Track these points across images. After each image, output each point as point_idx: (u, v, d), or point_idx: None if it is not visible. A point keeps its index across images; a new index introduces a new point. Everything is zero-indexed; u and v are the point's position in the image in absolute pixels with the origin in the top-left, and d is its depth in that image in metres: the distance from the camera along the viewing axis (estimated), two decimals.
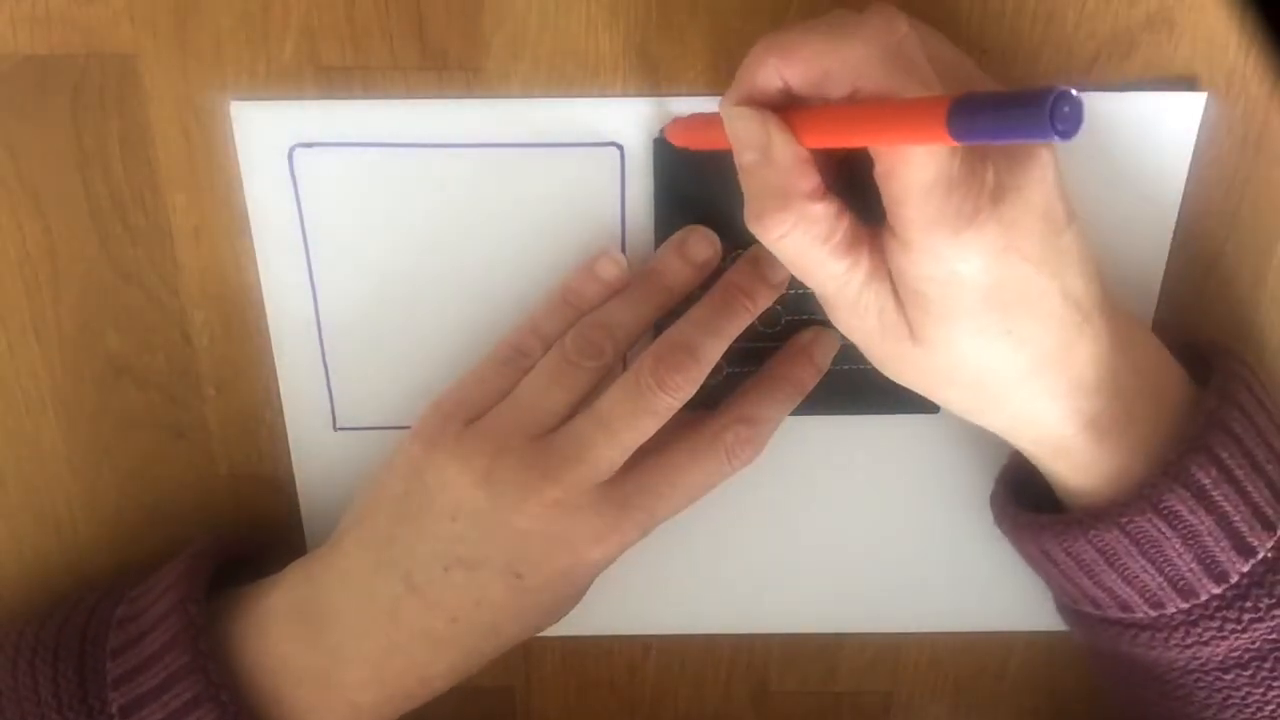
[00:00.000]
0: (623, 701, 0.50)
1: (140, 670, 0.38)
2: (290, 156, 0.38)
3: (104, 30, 0.36)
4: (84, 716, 0.37)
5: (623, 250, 0.40)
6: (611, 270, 0.39)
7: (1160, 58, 0.37)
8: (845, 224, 0.32)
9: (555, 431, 0.37)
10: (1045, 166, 0.31)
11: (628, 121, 0.38)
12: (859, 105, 0.30)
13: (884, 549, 0.46)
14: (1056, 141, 0.24)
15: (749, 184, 0.33)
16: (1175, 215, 0.39)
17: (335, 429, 0.43)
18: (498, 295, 0.40)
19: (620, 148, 0.38)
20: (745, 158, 0.32)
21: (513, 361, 0.39)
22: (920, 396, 0.42)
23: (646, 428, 0.36)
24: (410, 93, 0.37)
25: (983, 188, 0.30)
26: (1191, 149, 0.38)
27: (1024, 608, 0.46)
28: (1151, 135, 0.38)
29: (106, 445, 0.43)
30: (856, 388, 0.41)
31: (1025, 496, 0.39)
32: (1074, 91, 0.24)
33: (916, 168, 0.29)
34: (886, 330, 0.34)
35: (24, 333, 0.41)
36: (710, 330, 0.37)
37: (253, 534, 0.44)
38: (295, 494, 0.44)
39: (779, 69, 0.31)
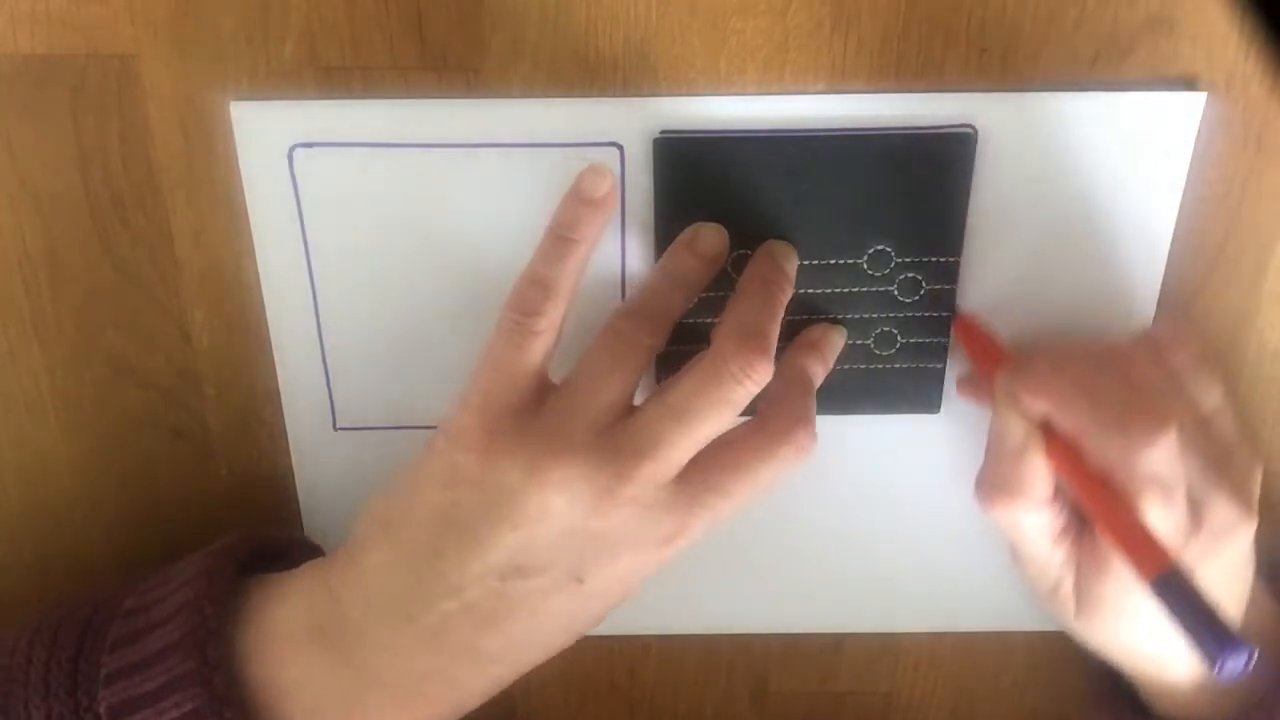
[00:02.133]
0: (623, 701, 0.50)
1: (138, 669, 0.34)
2: (290, 156, 0.38)
3: (104, 30, 0.36)
4: (69, 710, 0.34)
5: (622, 250, 0.40)
6: (600, 187, 0.36)
7: (1160, 58, 0.37)
8: (1062, 521, 0.37)
9: (623, 424, 0.35)
10: (1245, 540, 0.36)
11: (628, 121, 0.38)
12: (1099, 490, 0.35)
13: (884, 549, 0.46)
14: (1210, 669, 0.30)
15: (990, 461, 0.37)
16: (1175, 215, 0.39)
17: (335, 429, 0.43)
18: (497, 295, 0.40)
19: (620, 148, 0.38)
20: (996, 440, 0.37)
21: (525, 328, 0.35)
22: (920, 396, 0.42)
23: (723, 420, 0.35)
24: (410, 93, 0.37)
25: (1188, 556, 0.35)
26: (1191, 149, 0.38)
27: (1024, 608, 0.46)
28: (1151, 135, 0.38)
29: (106, 445, 0.43)
30: (856, 388, 0.41)
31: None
32: (1254, 655, 0.30)
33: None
34: (1056, 597, 0.39)
35: (24, 333, 0.41)
36: (768, 315, 0.36)
37: (283, 534, 0.42)
38: (295, 494, 0.44)
39: (1068, 420, 0.35)
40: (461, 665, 0.35)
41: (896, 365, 0.41)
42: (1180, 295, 0.41)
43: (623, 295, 0.40)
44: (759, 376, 0.34)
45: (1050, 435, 0.36)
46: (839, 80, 0.37)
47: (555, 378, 0.37)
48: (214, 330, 0.41)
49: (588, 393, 0.35)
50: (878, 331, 0.41)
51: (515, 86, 0.37)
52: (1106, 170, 0.38)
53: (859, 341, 0.41)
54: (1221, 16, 0.36)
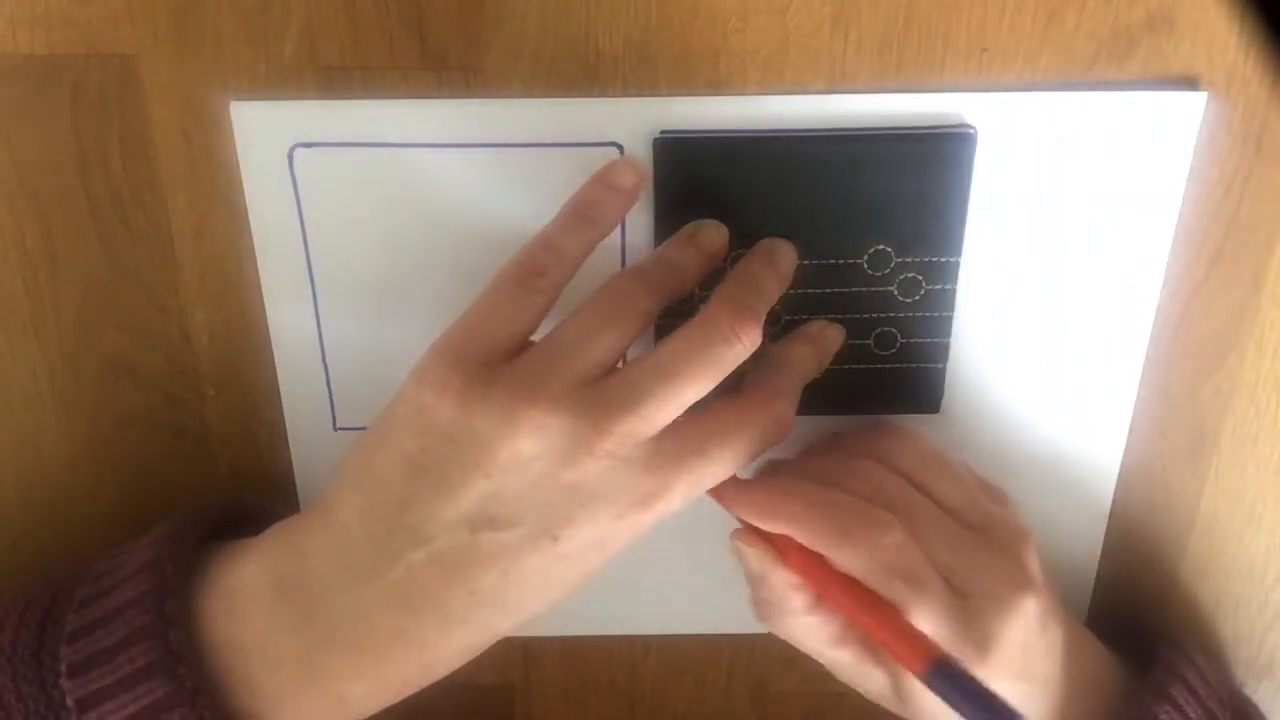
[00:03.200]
0: (623, 701, 0.50)
1: (99, 625, 0.34)
2: (290, 156, 0.38)
3: (104, 30, 0.36)
4: (33, 670, 0.34)
5: (622, 251, 0.40)
6: (628, 177, 0.36)
7: (1160, 58, 0.37)
8: (832, 627, 0.38)
9: (605, 379, 0.34)
10: (1028, 612, 0.37)
11: (628, 121, 0.38)
12: (854, 596, 0.36)
13: None
14: None
15: (752, 590, 0.38)
16: (1175, 215, 0.39)
17: (335, 429, 0.43)
18: None
19: (620, 148, 0.38)
20: (747, 573, 0.38)
21: (526, 283, 0.35)
22: (920, 396, 0.42)
23: (709, 381, 0.34)
24: (410, 93, 0.37)
25: (969, 644, 0.36)
26: (1191, 149, 0.38)
27: None
28: (1151, 135, 0.38)
29: (106, 445, 0.43)
30: (856, 388, 0.41)
31: None
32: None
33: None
34: (879, 695, 0.39)
35: (24, 333, 0.41)
36: (760, 293, 0.36)
37: (256, 499, 0.42)
38: (295, 494, 0.44)
39: (802, 535, 0.36)
40: (428, 623, 0.34)
41: (896, 365, 0.41)
42: (1180, 295, 0.41)
43: None
44: (749, 339, 0.34)
45: (795, 550, 0.36)
46: (839, 80, 0.37)
47: None
48: (214, 330, 0.41)
49: (575, 345, 0.34)
50: (878, 331, 0.41)
51: (515, 86, 0.37)
52: (1106, 170, 0.38)
53: (859, 341, 0.41)
54: (1221, 16, 0.36)
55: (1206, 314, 0.41)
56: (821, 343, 0.40)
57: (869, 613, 0.35)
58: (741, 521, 0.37)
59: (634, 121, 0.38)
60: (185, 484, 0.44)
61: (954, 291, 0.40)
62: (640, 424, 0.33)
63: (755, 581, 0.38)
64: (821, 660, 0.39)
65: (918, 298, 0.40)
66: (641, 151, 0.38)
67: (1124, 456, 0.43)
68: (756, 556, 0.37)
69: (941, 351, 0.41)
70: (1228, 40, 0.37)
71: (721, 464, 0.35)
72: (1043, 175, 0.38)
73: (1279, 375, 0.42)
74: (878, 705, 0.39)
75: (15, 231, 0.39)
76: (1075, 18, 0.37)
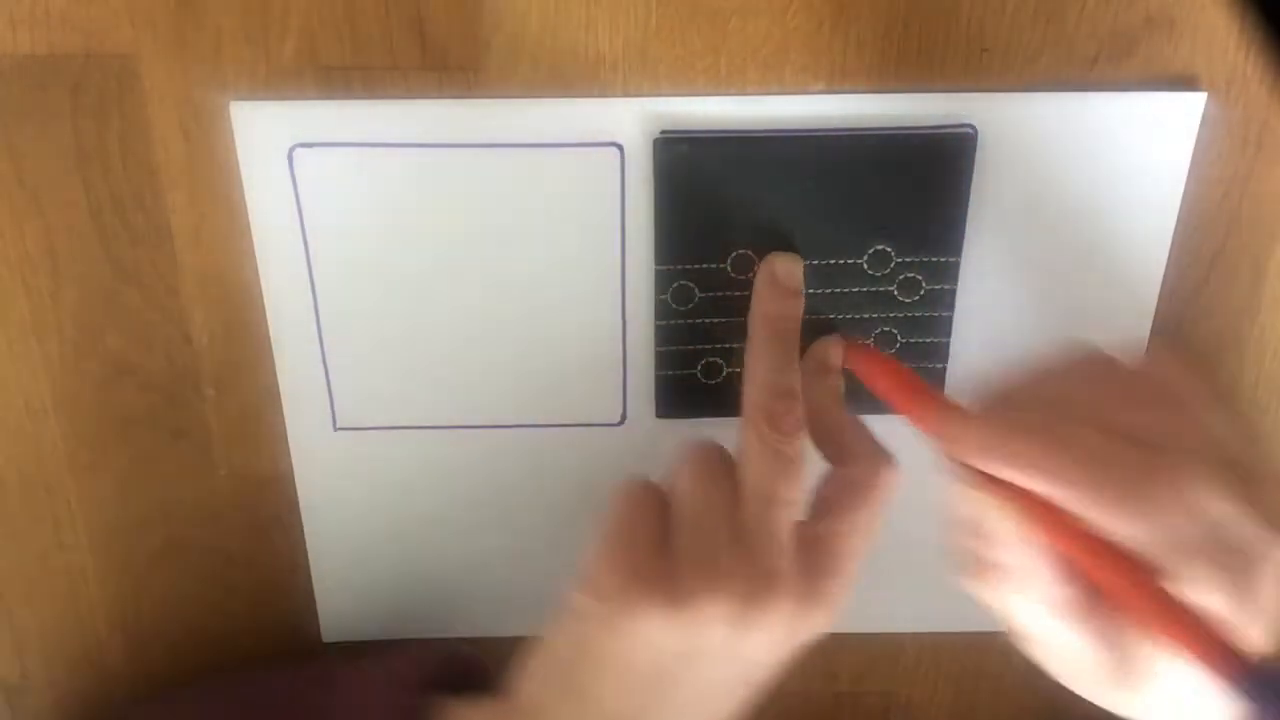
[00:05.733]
0: None
1: None
2: (290, 156, 0.38)
3: (104, 30, 0.36)
4: None
5: (622, 251, 0.40)
6: (797, 273, 0.38)
7: (1160, 58, 0.37)
8: (1067, 590, 0.30)
9: (746, 534, 0.34)
10: None
11: (628, 121, 0.38)
12: (1128, 573, 0.28)
13: (884, 549, 0.46)
14: None
15: (962, 531, 0.32)
16: (1175, 215, 0.39)
17: (335, 429, 0.43)
18: (498, 295, 0.40)
19: (620, 148, 0.38)
20: (960, 520, 0.32)
21: (783, 451, 0.35)
22: None
23: (801, 478, 0.34)
24: (410, 93, 0.37)
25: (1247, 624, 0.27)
26: (1191, 149, 0.38)
27: None
28: (1151, 135, 0.38)
29: (106, 445, 0.43)
30: (856, 387, 0.41)
31: None
32: None
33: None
34: (1079, 675, 0.31)
35: (24, 333, 0.41)
36: (782, 366, 0.36)
37: (473, 655, 0.44)
38: (295, 494, 0.44)
39: (1055, 492, 0.29)
40: None
41: None
42: (1180, 295, 0.41)
43: (622, 295, 0.40)
44: (799, 430, 0.34)
45: (1033, 502, 0.29)
46: (839, 80, 0.37)
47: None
48: (214, 330, 0.41)
49: (767, 517, 0.34)
50: (878, 331, 0.41)
51: (515, 86, 0.37)
52: (1106, 170, 0.38)
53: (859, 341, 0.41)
54: (1221, 16, 0.36)
55: (1206, 314, 0.41)
56: (831, 363, 0.39)
57: (1147, 595, 0.27)
58: (966, 468, 0.31)
59: (634, 121, 0.38)
60: (185, 484, 0.44)
61: (954, 291, 0.40)
62: (787, 559, 0.34)
63: (975, 537, 0.31)
64: (1028, 632, 0.32)
65: (918, 298, 0.40)
66: (641, 151, 0.38)
67: None
68: (999, 511, 0.30)
69: (941, 351, 0.41)
70: (1228, 40, 0.37)
71: (857, 560, 0.35)
72: (1043, 175, 0.38)
73: (1279, 375, 0.42)
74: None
75: (15, 231, 0.39)
76: (1075, 18, 0.37)
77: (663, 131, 0.38)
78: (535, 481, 0.44)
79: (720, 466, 0.36)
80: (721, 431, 0.42)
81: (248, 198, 0.39)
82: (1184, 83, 0.37)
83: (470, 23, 0.36)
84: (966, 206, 0.38)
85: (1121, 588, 0.28)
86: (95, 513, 0.45)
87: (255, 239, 0.39)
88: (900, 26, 0.37)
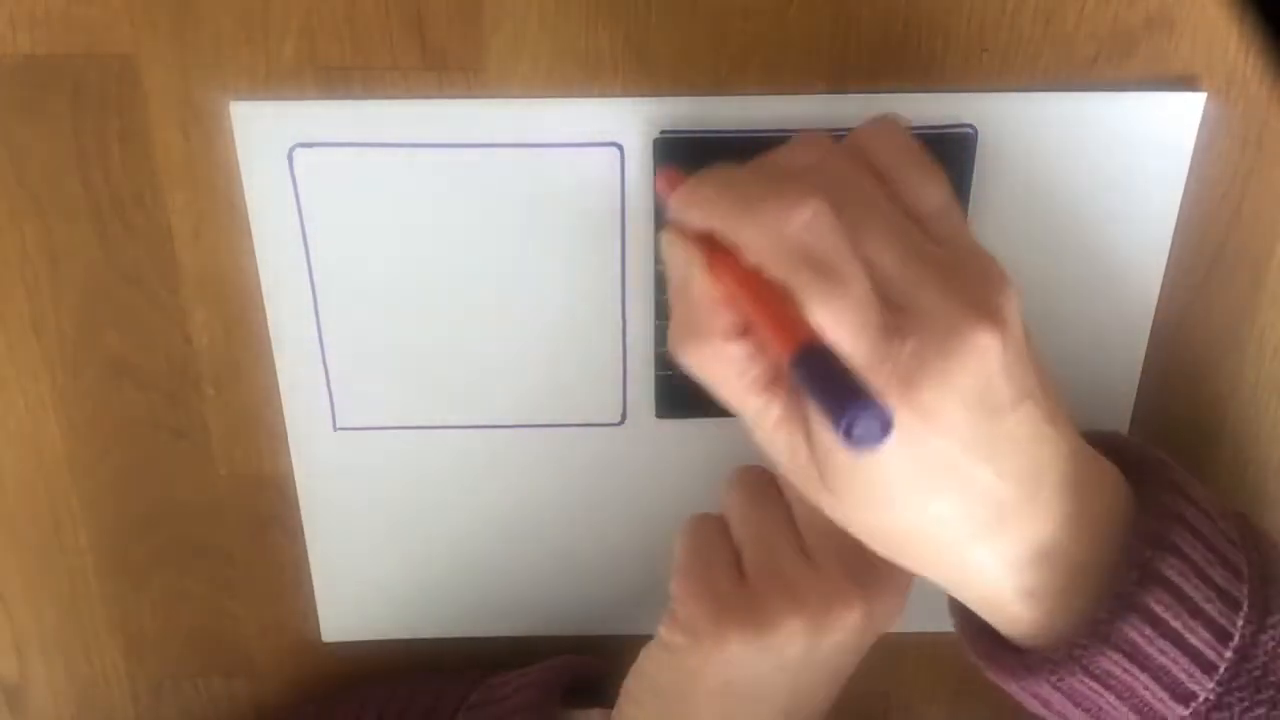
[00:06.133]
0: None
1: None
2: (290, 156, 0.38)
3: (104, 30, 0.36)
4: None
5: (622, 251, 0.40)
6: None
7: (1160, 58, 0.37)
8: (759, 367, 0.31)
9: (807, 547, 0.37)
10: (982, 352, 0.28)
11: (628, 121, 0.38)
12: (753, 282, 0.29)
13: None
14: (846, 446, 0.25)
15: (674, 309, 0.32)
16: (1175, 215, 0.39)
17: (335, 429, 0.43)
18: (497, 295, 0.40)
19: (620, 148, 0.38)
20: (672, 283, 0.32)
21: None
22: None
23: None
24: (410, 93, 0.37)
25: (891, 373, 0.28)
26: (1191, 149, 0.38)
27: None
28: (1151, 135, 0.38)
29: (106, 445, 0.43)
30: None
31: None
32: (883, 409, 0.25)
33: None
34: (799, 472, 0.31)
35: (24, 333, 0.41)
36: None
37: (598, 663, 0.46)
38: (295, 494, 0.44)
39: (722, 224, 0.30)
40: None
41: None
42: (1180, 295, 0.41)
43: (622, 295, 0.40)
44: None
45: (717, 254, 0.30)
46: (839, 80, 0.37)
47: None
48: (214, 330, 0.41)
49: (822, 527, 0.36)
50: None
51: (515, 86, 0.37)
52: (1106, 170, 0.38)
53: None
54: (1221, 16, 0.36)
55: (1206, 314, 0.41)
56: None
57: (759, 300, 0.29)
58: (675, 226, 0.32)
59: (634, 121, 0.38)
60: (185, 484, 0.44)
61: None
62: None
63: (677, 294, 0.32)
64: (740, 412, 0.32)
65: None
66: (641, 151, 0.38)
67: None
68: (681, 252, 0.31)
69: None
70: (1228, 40, 0.37)
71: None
72: (1043, 175, 0.38)
73: (1279, 375, 0.42)
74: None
75: (15, 231, 0.39)
76: (1075, 18, 0.37)
77: (663, 131, 0.38)
78: (535, 481, 0.44)
79: (768, 486, 0.38)
80: (722, 431, 0.42)
81: (248, 198, 0.39)
82: (1184, 83, 0.37)
83: (470, 23, 0.36)
84: (966, 206, 0.38)
85: (752, 301, 0.29)
86: (95, 513, 0.45)
87: (255, 239, 0.39)
88: (900, 26, 0.37)
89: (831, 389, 0.26)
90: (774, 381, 0.31)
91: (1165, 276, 0.40)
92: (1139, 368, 0.42)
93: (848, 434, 0.25)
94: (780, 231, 0.28)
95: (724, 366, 0.31)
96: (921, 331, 0.28)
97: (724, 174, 0.31)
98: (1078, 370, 0.42)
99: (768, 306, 0.28)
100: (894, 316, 0.28)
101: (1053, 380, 0.32)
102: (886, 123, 0.32)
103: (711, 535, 0.38)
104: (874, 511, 0.31)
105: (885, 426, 0.25)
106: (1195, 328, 0.41)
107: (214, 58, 0.37)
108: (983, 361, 0.28)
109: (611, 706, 0.40)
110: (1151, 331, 0.41)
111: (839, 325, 0.28)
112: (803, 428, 0.30)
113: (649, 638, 0.39)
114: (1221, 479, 0.44)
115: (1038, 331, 0.41)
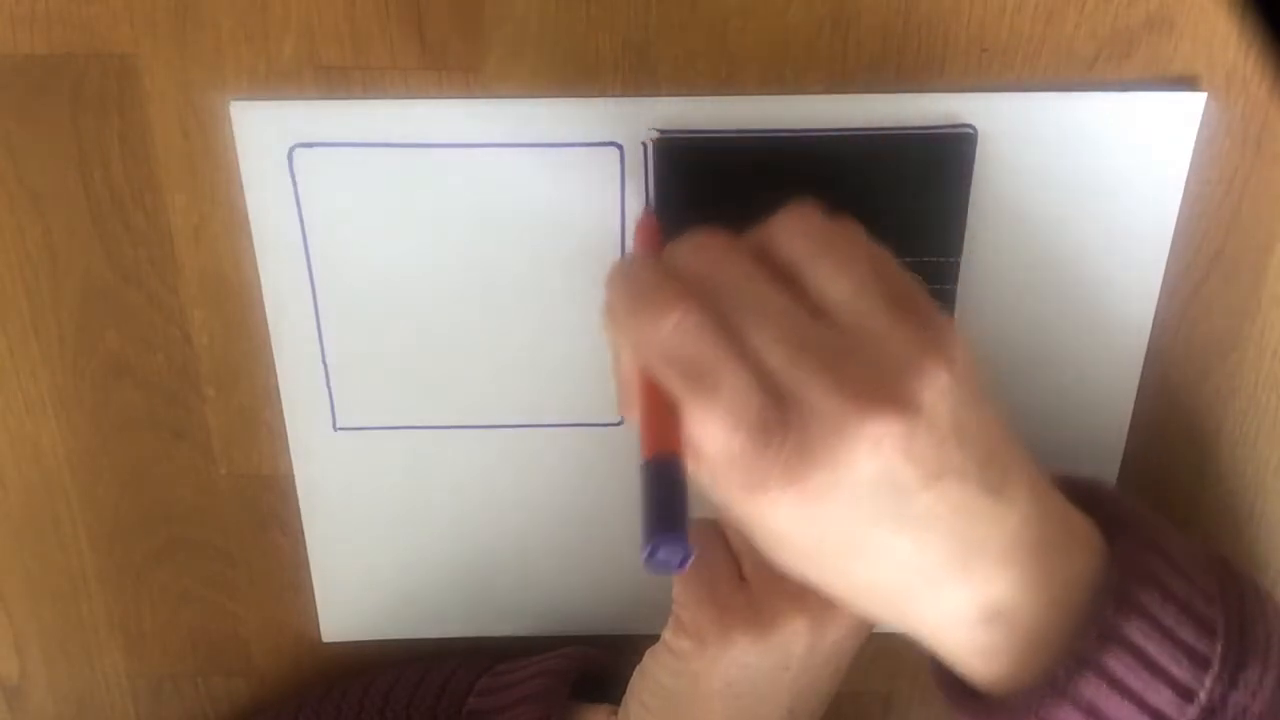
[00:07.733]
0: None
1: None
2: (290, 156, 0.38)
3: (104, 30, 0.36)
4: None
5: (622, 250, 0.40)
6: None
7: (1160, 58, 0.37)
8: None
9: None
10: (874, 441, 0.28)
11: (628, 121, 0.38)
12: (647, 378, 0.30)
13: None
14: (644, 564, 0.27)
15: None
16: (1175, 215, 0.39)
17: (335, 429, 0.43)
18: (498, 295, 0.40)
19: (620, 148, 0.38)
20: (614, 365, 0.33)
21: None
22: None
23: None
24: (410, 93, 0.37)
25: (773, 462, 0.28)
26: (1191, 149, 0.38)
27: None
28: (1151, 135, 0.38)
29: (106, 445, 0.43)
30: None
31: None
32: (685, 545, 0.27)
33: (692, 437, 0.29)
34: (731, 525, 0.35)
35: (24, 333, 0.41)
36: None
37: (602, 656, 0.46)
38: (295, 494, 0.44)
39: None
40: None
41: None
42: (1180, 295, 0.41)
43: None
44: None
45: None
46: (839, 80, 0.37)
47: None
48: (214, 330, 0.41)
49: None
50: None
51: (515, 86, 0.37)
52: (1106, 170, 0.38)
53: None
54: (1221, 16, 0.36)
55: (1206, 314, 0.41)
56: None
57: (647, 396, 0.30)
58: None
59: (634, 121, 0.38)
60: (185, 484, 0.44)
61: (954, 291, 0.40)
62: None
63: (620, 378, 0.33)
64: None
65: None
66: (641, 151, 0.38)
67: (1124, 456, 0.43)
68: (610, 337, 0.32)
69: None
70: (1228, 40, 0.37)
71: None
72: (1043, 175, 0.38)
73: (1279, 375, 0.42)
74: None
75: (15, 231, 0.39)
76: (1075, 18, 0.37)
77: (663, 131, 0.38)
78: (535, 481, 0.44)
79: None
80: None
81: (248, 198, 0.39)
82: (1184, 83, 0.37)
83: (470, 23, 0.36)
84: (966, 206, 0.38)
85: (643, 412, 0.30)
86: (95, 513, 0.45)
87: (255, 239, 0.39)
88: (900, 26, 0.37)
89: (655, 508, 0.28)
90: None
91: (1165, 276, 0.40)
92: (1139, 368, 0.42)
93: (649, 556, 0.27)
94: (652, 336, 0.29)
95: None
96: (806, 424, 0.28)
97: (629, 269, 0.32)
98: (1077, 373, 0.42)
99: (652, 404, 0.30)
100: (781, 411, 0.28)
101: (1012, 444, 0.31)
102: (797, 214, 0.32)
103: (711, 541, 0.39)
104: (802, 570, 0.31)
105: (683, 560, 0.27)
106: (1195, 327, 0.41)
107: (214, 58, 0.37)
108: (875, 450, 0.28)
109: (618, 704, 0.41)
110: (1151, 331, 0.41)
111: (707, 423, 0.28)
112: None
113: (649, 637, 0.40)
114: (1222, 479, 0.44)
115: (1039, 331, 0.41)
